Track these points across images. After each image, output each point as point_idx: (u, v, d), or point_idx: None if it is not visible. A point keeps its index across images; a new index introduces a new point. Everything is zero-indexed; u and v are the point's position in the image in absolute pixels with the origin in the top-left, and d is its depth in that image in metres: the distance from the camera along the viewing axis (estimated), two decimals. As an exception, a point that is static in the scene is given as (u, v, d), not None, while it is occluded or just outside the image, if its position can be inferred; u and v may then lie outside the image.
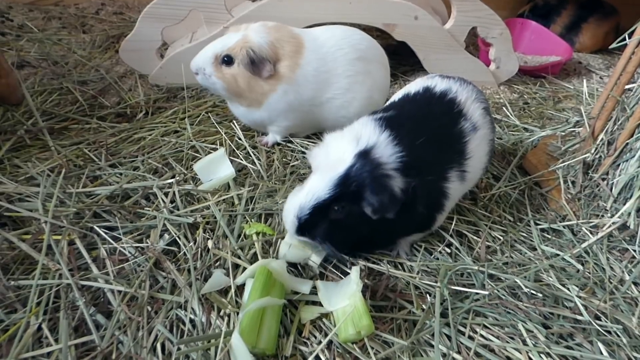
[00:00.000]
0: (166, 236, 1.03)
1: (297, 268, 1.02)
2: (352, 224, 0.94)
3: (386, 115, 1.05)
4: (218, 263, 0.99)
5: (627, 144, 1.20)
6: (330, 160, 0.93)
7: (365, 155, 0.92)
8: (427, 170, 0.97)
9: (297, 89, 1.35)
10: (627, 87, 1.21)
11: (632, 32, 1.22)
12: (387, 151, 0.93)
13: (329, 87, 1.40)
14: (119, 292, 0.89)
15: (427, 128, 1.01)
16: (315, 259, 1.01)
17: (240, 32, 1.33)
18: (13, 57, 1.85)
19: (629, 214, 1.13)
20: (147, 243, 1.01)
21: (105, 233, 1.02)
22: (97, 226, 1.04)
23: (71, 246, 0.98)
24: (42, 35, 2.14)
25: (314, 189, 0.92)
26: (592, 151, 1.31)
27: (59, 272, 0.91)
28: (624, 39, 1.21)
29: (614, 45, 1.13)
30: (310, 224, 0.94)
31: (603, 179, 1.25)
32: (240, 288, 0.93)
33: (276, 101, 1.36)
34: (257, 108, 1.38)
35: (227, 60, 1.31)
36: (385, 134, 0.96)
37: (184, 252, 1.00)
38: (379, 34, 1.92)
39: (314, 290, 0.93)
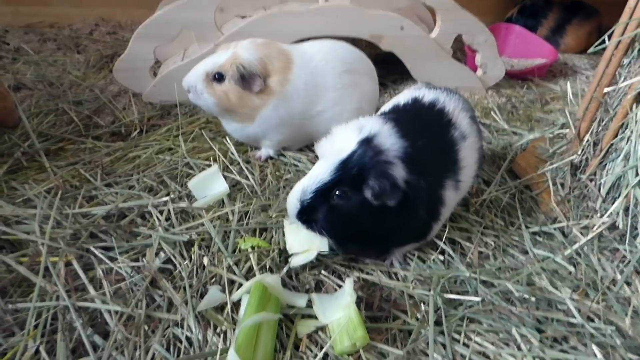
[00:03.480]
0: (162, 254, 1.05)
1: (292, 279, 1.03)
2: (351, 211, 0.94)
3: (386, 114, 1.07)
4: (214, 280, 1.00)
5: (612, 144, 1.22)
6: (334, 149, 0.96)
7: (368, 142, 0.94)
8: (427, 171, 0.98)
9: (287, 103, 1.38)
10: (606, 89, 1.24)
11: (612, 35, 1.25)
12: (390, 140, 0.96)
13: (319, 101, 1.42)
14: (116, 312, 0.90)
15: (423, 133, 1.03)
16: (322, 246, 1.02)
17: (230, 49, 1.36)
18: (10, 80, 1.87)
19: (618, 213, 1.15)
20: (143, 262, 1.03)
21: (102, 253, 1.04)
22: (94, 246, 1.05)
23: (68, 267, 0.99)
24: (38, 57, 2.17)
25: (317, 172, 0.94)
26: (579, 152, 1.33)
27: (56, 294, 0.92)
28: (604, 42, 1.24)
29: (592, 49, 1.16)
30: (312, 208, 0.95)
31: (591, 180, 1.27)
32: (237, 304, 0.94)
33: (268, 116, 1.38)
34: (250, 123, 1.40)
35: (218, 77, 1.33)
36: (389, 126, 0.99)
37: (180, 270, 1.01)
38: (367, 44, 1.95)
39: (309, 304, 0.94)
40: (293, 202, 0.96)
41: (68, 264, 1.00)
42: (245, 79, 1.32)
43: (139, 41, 1.71)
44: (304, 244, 1.04)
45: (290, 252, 1.06)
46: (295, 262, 1.04)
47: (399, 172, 0.92)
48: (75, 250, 1.02)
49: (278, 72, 1.35)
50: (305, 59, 1.41)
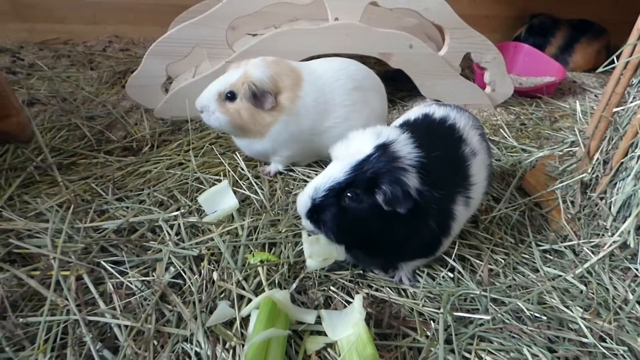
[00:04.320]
0: (172, 269, 1.05)
1: (301, 295, 1.03)
2: (361, 214, 0.94)
3: (401, 126, 1.09)
4: (223, 295, 1.00)
5: (622, 162, 1.22)
6: (350, 152, 0.97)
7: (384, 148, 0.94)
8: (439, 184, 0.98)
9: (297, 120, 1.40)
10: (615, 109, 1.24)
11: (620, 54, 1.26)
12: (406, 148, 0.96)
13: (328, 117, 1.44)
14: (126, 326, 0.90)
15: (436, 147, 1.03)
16: (339, 255, 1.02)
17: (240, 68, 1.38)
18: (24, 95, 1.91)
19: (629, 232, 1.14)
20: (153, 276, 1.03)
21: (112, 267, 1.04)
22: (104, 261, 1.06)
23: (79, 281, 1.00)
24: (52, 73, 2.21)
25: (331, 172, 0.95)
26: (589, 171, 1.32)
27: (67, 308, 0.93)
28: (612, 61, 1.25)
29: (601, 69, 1.16)
30: (323, 208, 0.95)
31: (601, 198, 1.27)
32: (246, 320, 0.94)
33: (278, 132, 1.40)
34: (261, 139, 1.42)
35: (230, 96, 1.36)
36: (405, 135, 0.99)
37: (189, 285, 1.01)
38: (376, 61, 1.98)
39: (318, 320, 0.94)
40: (304, 199, 0.96)
41: (79, 278, 1.01)
42: (257, 96, 1.34)
43: (152, 58, 1.75)
44: (322, 254, 1.03)
45: (307, 259, 1.05)
46: (311, 265, 1.03)
47: (413, 181, 0.92)
48: (86, 265, 1.03)
49: (288, 90, 1.38)
50: (314, 76, 1.43)
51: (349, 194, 0.93)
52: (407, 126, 1.15)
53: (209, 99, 1.37)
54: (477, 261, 1.16)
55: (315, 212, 0.96)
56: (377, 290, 1.06)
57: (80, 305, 0.93)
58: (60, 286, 0.97)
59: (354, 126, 1.46)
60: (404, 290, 1.07)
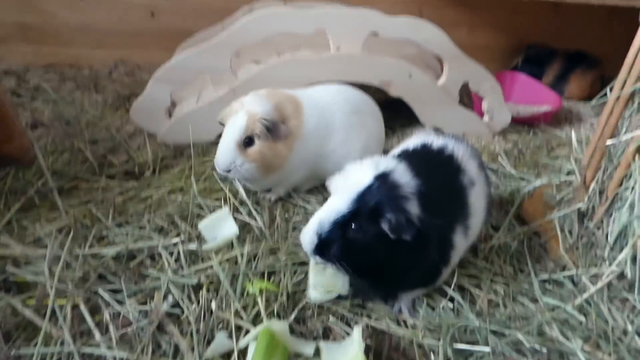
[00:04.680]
0: (170, 298, 1.05)
1: (300, 325, 1.02)
2: (368, 245, 0.94)
3: (399, 156, 1.10)
4: (221, 325, 0.99)
5: (617, 193, 1.23)
6: (349, 184, 0.97)
7: (384, 177, 0.96)
8: (438, 213, 0.98)
9: (306, 144, 1.42)
10: (609, 142, 1.26)
11: (613, 87, 1.29)
12: (405, 177, 0.97)
13: (331, 140, 1.47)
14: (121, 358, 0.89)
15: (435, 176, 1.05)
16: (343, 289, 1.02)
17: (240, 112, 1.34)
18: (27, 118, 1.93)
19: (626, 262, 1.14)
20: (151, 305, 1.02)
21: (110, 296, 1.04)
22: (102, 289, 1.05)
23: (75, 310, 0.99)
24: (56, 96, 2.24)
25: (334, 205, 0.95)
26: (586, 200, 1.34)
27: (61, 339, 0.92)
28: (605, 94, 1.28)
29: (594, 101, 1.20)
30: (329, 242, 0.95)
31: (598, 228, 1.27)
32: (244, 351, 0.93)
33: (293, 159, 1.41)
34: (276, 171, 1.41)
35: (248, 141, 1.33)
36: (403, 165, 1.01)
37: (187, 315, 1.01)
38: (376, 90, 2.01)
39: (317, 352, 0.93)
40: (310, 235, 0.96)
41: (75, 307, 1.00)
42: (271, 130, 1.33)
43: (157, 84, 1.78)
44: (327, 285, 1.03)
45: (311, 290, 1.05)
46: (314, 297, 1.03)
47: (414, 209, 0.93)
48: (83, 293, 1.02)
49: (292, 117, 1.39)
50: (312, 101, 1.46)
51: (353, 226, 0.94)
52: (405, 155, 1.17)
53: (231, 154, 1.33)
54: (477, 291, 1.16)
55: (323, 246, 0.96)
56: (376, 320, 1.06)
57: (75, 335, 0.92)
58: (55, 315, 0.96)
59: (355, 149, 1.50)
60: (404, 321, 1.07)
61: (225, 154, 1.33)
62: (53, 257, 1.11)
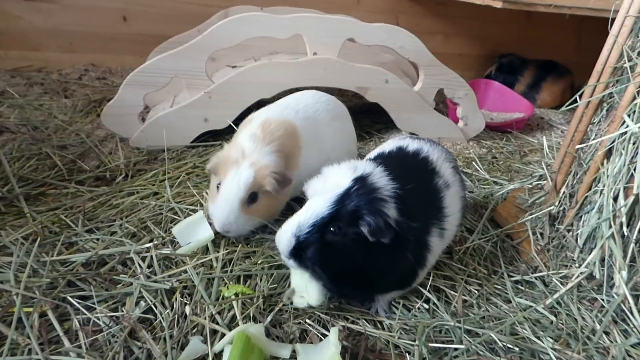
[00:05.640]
0: (142, 303, 1.02)
1: (276, 328, 1.01)
2: (346, 248, 0.94)
3: (375, 159, 1.11)
4: (196, 330, 0.97)
5: (586, 196, 1.27)
6: (327, 186, 0.97)
7: (362, 180, 0.96)
8: (415, 216, 0.99)
9: (301, 172, 1.36)
10: (578, 146, 1.31)
11: (582, 95, 1.34)
12: (382, 180, 0.98)
13: (323, 148, 1.47)
14: (91, 366, 0.86)
15: (410, 179, 1.05)
16: (317, 300, 1.00)
17: (242, 164, 1.22)
18: (-8, 123, 1.86)
19: (594, 263, 1.18)
20: (123, 311, 0.99)
21: (79, 303, 1.00)
22: (71, 296, 1.01)
23: (42, 318, 0.95)
24: (23, 101, 2.16)
25: (314, 207, 0.94)
26: (556, 204, 1.38)
27: (29, 347, 0.88)
28: (575, 101, 1.33)
29: (564, 107, 1.24)
30: (307, 244, 0.93)
31: (568, 230, 1.31)
32: (219, 355, 0.91)
33: (294, 186, 1.34)
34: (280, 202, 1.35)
35: (253, 196, 1.22)
36: (380, 168, 1.01)
37: (160, 320, 0.98)
38: (353, 95, 2.03)
39: (293, 354, 0.92)
40: (287, 237, 0.94)
41: (43, 315, 0.96)
42: (281, 182, 1.23)
43: (129, 88, 1.75)
44: (301, 291, 1.02)
45: (295, 293, 1.04)
46: (297, 302, 1.03)
47: (392, 212, 0.94)
48: (51, 300, 0.98)
49: (293, 152, 1.35)
50: (300, 117, 1.43)
51: (332, 228, 0.94)
52: (381, 159, 1.18)
53: (234, 214, 1.20)
54: (452, 292, 1.17)
55: (300, 249, 0.95)
56: (353, 322, 1.05)
57: (43, 344, 0.89)
58: (22, 324, 0.92)
59: (343, 154, 1.47)
60: (380, 322, 1.07)
61: (228, 214, 1.19)
62: (19, 265, 1.07)
